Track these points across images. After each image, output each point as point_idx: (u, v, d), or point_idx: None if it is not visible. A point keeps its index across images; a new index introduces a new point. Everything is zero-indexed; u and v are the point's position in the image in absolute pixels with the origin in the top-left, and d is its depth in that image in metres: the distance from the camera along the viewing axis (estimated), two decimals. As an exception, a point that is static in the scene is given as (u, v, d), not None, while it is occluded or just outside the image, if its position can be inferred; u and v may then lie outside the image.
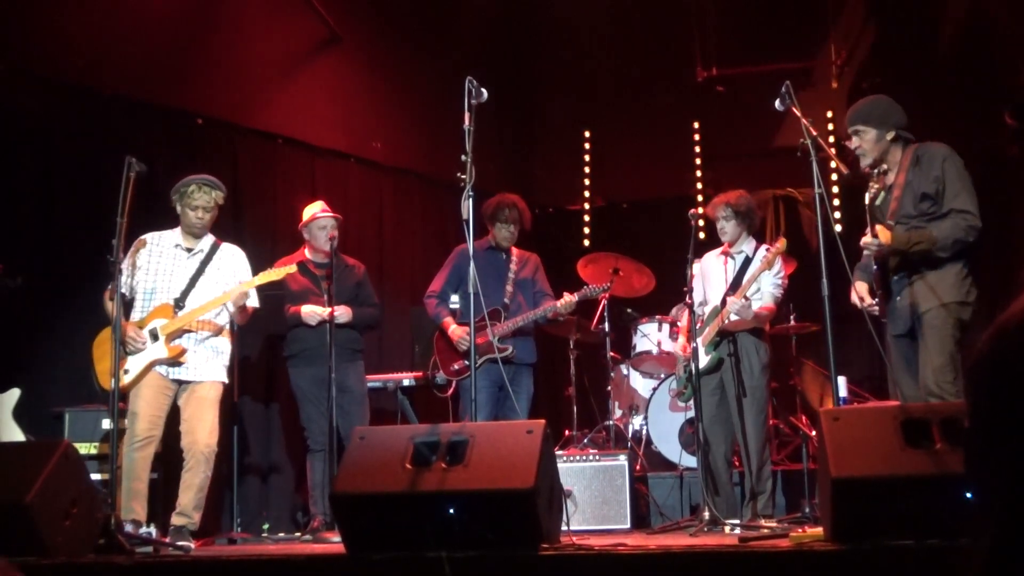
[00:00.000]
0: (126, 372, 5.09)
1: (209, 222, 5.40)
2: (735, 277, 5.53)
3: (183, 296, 5.26)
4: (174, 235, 5.40)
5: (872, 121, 4.58)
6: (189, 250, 5.39)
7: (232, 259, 5.50)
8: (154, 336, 5.17)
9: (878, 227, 4.39)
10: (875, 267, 4.54)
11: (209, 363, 5.27)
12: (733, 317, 5.36)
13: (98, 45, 6.53)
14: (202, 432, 5.12)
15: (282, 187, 7.56)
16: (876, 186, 4.59)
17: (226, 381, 5.36)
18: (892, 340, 4.58)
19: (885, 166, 4.60)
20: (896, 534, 3.04)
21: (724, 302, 5.46)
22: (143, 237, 5.29)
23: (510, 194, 6.23)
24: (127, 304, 5.21)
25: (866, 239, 4.38)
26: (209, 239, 5.47)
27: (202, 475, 5.09)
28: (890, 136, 4.56)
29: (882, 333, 4.60)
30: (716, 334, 5.43)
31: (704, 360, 5.42)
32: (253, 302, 5.45)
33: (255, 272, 5.48)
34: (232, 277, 5.42)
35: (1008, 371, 1.22)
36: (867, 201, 4.52)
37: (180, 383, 5.21)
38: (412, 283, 8.02)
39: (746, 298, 5.31)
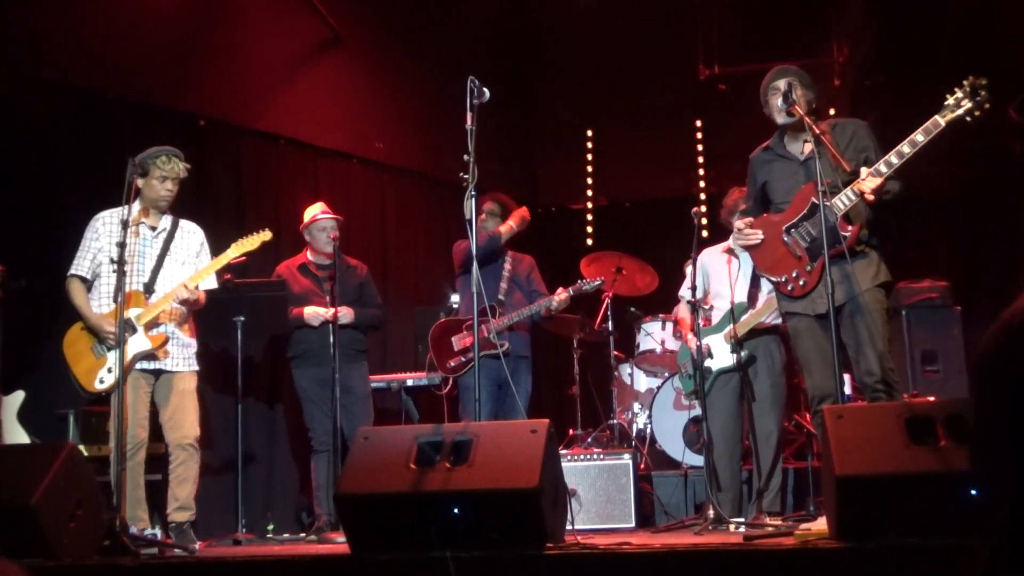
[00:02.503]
0: (109, 371, 4.93)
1: (175, 196, 5.18)
2: (754, 273, 5.49)
3: (152, 280, 5.08)
4: (134, 213, 5.10)
5: (805, 81, 4.59)
6: (153, 229, 5.18)
7: (192, 237, 5.29)
8: (131, 328, 4.92)
9: (864, 169, 4.26)
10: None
11: (183, 351, 5.14)
12: (775, 316, 5.32)
13: (101, 48, 6.54)
14: (189, 426, 5.07)
15: (285, 188, 7.57)
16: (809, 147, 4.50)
17: (199, 369, 5.26)
18: (810, 322, 4.45)
19: (804, 136, 4.50)
20: (901, 532, 3.03)
21: (752, 299, 5.42)
22: (105, 215, 5.11)
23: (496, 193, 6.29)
24: (88, 288, 5.08)
25: (875, 180, 4.18)
26: (168, 216, 5.24)
27: (195, 467, 5.06)
28: (813, 104, 4.58)
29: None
30: (747, 333, 5.37)
31: (730, 359, 5.37)
32: (210, 283, 5.24)
33: (215, 253, 5.27)
34: (194, 258, 5.23)
35: (1014, 367, 1.22)
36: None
37: (157, 374, 5.08)
38: (416, 283, 8.03)
39: None
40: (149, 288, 5.07)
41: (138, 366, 5.01)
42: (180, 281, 5.07)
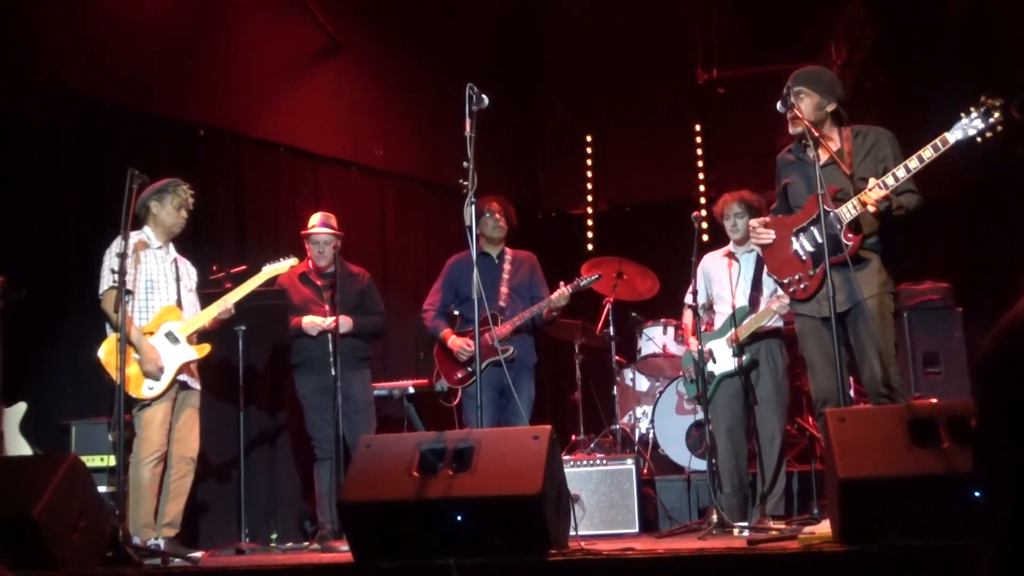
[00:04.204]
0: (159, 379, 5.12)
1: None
2: (754, 276, 5.48)
3: (179, 299, 5.30)
4: (151, 236, 5.35)
5: (818, 87, 4.48)
6: (167, 254, 5.40)
7: (192, 271, 5.55)
8: (173, 339, 5.16)
9: (871, 179, 4.21)
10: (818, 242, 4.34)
11: (197, 370, 5.33)
12: (776, 319, 5.31)
13: (100, 56, 6.55)
14: (194, 440, 5.24)
15: (285, 196, 7.57)
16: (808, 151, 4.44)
17: None
18: (816, 324, 4.42)
19: (807, 141, 4.40)
20: (904, 534, 3.03)
21: (753, 303, 5.41)
22: (141, 238, 5.28)
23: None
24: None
25: (880, 192, 4.14)
26: (171, 246, 5.48)
27: (189, 483, 5.20)
28: (830, 108, 4.49)
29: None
30: (748, 336, 5.36)
31: (733, 363, 5.36)
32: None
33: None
34: (196, 288, 5.50)
35: (1015, 369, 1.22)
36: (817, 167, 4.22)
37: (180, 387, 5.22)
38: (416, 290, 8.02)
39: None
40: (179, 304, 5.30)
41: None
42: (191, 303, 5.38)
